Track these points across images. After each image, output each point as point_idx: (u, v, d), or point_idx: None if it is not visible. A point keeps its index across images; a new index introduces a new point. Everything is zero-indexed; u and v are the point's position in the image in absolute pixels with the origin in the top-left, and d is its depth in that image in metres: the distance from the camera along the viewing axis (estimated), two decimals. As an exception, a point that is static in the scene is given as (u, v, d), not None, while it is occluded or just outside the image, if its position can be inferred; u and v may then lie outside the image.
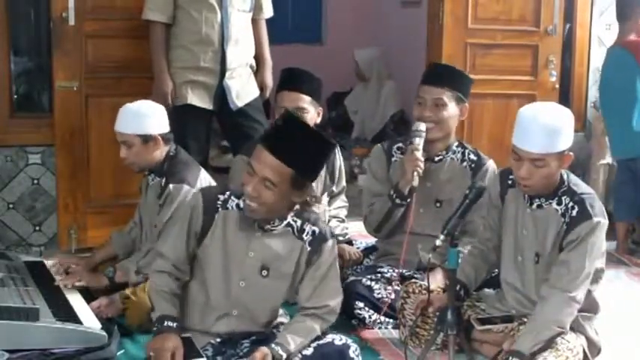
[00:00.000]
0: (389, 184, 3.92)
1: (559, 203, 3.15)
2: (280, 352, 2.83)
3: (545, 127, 3.02)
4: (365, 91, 7.25)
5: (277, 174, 2.82)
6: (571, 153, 3.10)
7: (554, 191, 3.16)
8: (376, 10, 7.95)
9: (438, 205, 3.89)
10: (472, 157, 3.93)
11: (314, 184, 4.25)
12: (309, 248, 3.02)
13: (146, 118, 3.75)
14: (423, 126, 3.77)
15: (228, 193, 3.03)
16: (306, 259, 3.02)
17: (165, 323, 2.93)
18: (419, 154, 3.73)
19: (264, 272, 3.00)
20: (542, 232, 3.19)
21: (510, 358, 2.98)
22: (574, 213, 3.10)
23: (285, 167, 2.82)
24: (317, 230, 3.04)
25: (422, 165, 3.73)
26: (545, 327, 3.02)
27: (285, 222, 3.01)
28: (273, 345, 2.85)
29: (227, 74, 4.46)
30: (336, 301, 3.08)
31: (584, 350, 3.14)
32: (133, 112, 3.76)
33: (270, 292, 3.03)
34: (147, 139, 3.74)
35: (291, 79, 4.00)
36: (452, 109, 3.82)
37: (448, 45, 5.19)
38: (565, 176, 3.17)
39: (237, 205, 2.99)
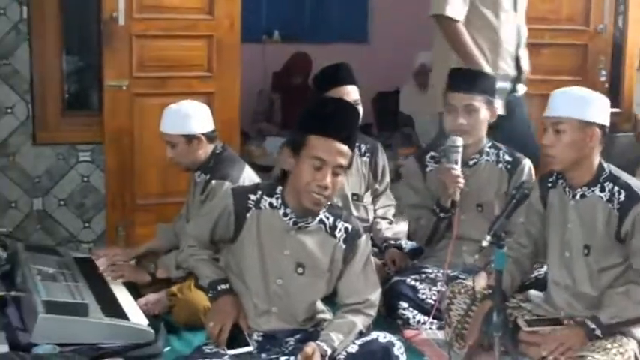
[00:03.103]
0: (427, 194, 3.91)
1: (602, 190, 3.12)
2: (325, 347, 2.83)
3: (568, 93, 3.08)
4: (422, 97, 7.04)
5: (347, 158, 2.88)
6: (597, 130, 3.07)
7: (595, 178, 3.13)
8: (422, 9, 7.89)
9: (479, 209, 3.87)
10: (507, 157, 3.90)
11: (357, 183, 4.30)
12: (343, 246, 3.02)
13: (189, 118, 3.79)
14: (459, 141, 3.72)
15: (259, 192, 3.03)
16: (342, 256, 3.03)
17: (219, 287, 2.98)
18: (458, 170, 3.72)
19: (300, 270, 3.01)
20: (589, 222, 3.15)
21: (588, 320, 2.99)
22: (622, 198, 3.07)
23: (348, 149, 2.87)
24: (350, 227, 3.04)
25: (462, 180, 3.71)
26: (632, 306, 3.01)
27: (317, 218, 3.01)
28: (318, 342, 2.85)
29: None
30: (375, 295, 3.09)
31: (635, 355, 3.10)
32: (177, 113, 3.80)
33: (307, 289, 3.04)
34: (191, 139, 3.79)
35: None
36: (483, 113, 3.78)
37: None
38: (605, 165, 3.15)
39: (270, 204, 3.00)
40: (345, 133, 2.88)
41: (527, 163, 3.89)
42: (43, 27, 4.75)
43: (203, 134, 3.81)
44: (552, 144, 3.09)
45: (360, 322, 2.99)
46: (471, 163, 3.86)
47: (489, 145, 3.91)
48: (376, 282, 3.13)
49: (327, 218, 3.02)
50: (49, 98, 4.83)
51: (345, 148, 2.86)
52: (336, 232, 3.02)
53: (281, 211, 2.99)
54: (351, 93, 4.07)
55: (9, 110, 4.74)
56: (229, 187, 3.20)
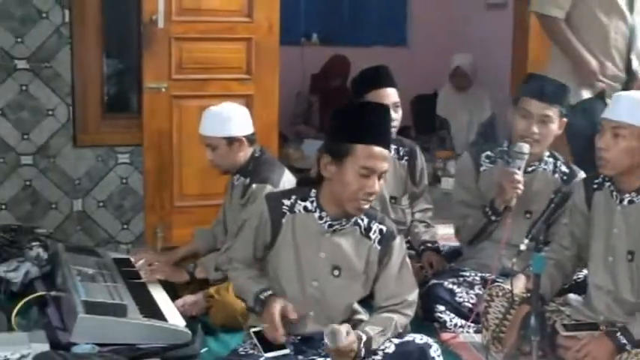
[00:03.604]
0: (477, 193, 3.88)
1: None
2: (360, 332, 2.84)
3: (632, 99, 3.03)
4: (460, 99, 7.04)
5: (389, 161, 2.92)
6: None
7: None
8: (461, 12, 7.87)
9: (527, 216, 3.80)
10: (564, 168, 3.85)
11: (395, 186, 4.29)
12: (378, 247, 3.02)
13: (230, 120, 3.80)
14: (526, 148, 3.66)
15: (293, 197, 3.03)
16: (377, 258, 3.02)
17: (263, 295, 2.97)
18: (519, 176, 3.67)
19: (336, 272, 3.00)
20: (635, 228, 3.11)
21: (619, 334, 2.96)
22: None
23: (389, 152, 2.91)
24: (384, 229, 3.03)
25: (521, 187, 3.67)
26: None
27: (352, 220, 3.01)
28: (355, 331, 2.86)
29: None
30: (412, 295, 3.08)
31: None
32: (218, 115, 3.81)
33: (343, 292, 3.04)
34: (231, 141, 3.79)
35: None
36: (555, 125, 3.72)
37: (535, 48, 5.09)
38: None
39: (305, 208, 3.00)
40: (387, 138, 2.92)
41: (582, 176, 3.82)
42: (84, 30, 4.80)
43: (244, 137, 3.82)
44: (608, 147, 3.04)
45: (397, 318, 2.99)
46: (529, 169, 3.80)
47: (548, 154, 3.86)
48: (413, 283, 3.12)
49: (362, 220, 3.02)
50: (90, 101, 4.88)
51: (387, 152, 2.88)
52: (371, 234, 3.02)
53: (316, 214, 2.99)
54: (391, 95, 4.07)
55: (50, 112, 4.79)
56: (263, 196, 3.20)
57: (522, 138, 3.70)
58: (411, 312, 3.07)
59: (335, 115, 2.99)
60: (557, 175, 3.85)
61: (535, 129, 3.68)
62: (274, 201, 3.04)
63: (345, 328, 2.78)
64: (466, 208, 3.92)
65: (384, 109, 3.00)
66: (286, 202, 3.02)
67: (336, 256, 3.00)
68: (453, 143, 6.94)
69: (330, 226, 2.99)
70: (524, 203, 3.78)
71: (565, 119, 3.76)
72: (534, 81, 3.80)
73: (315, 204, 3.00)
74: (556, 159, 3.88)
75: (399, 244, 3.06)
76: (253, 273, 3.09)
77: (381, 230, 3.03)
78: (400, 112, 4.17)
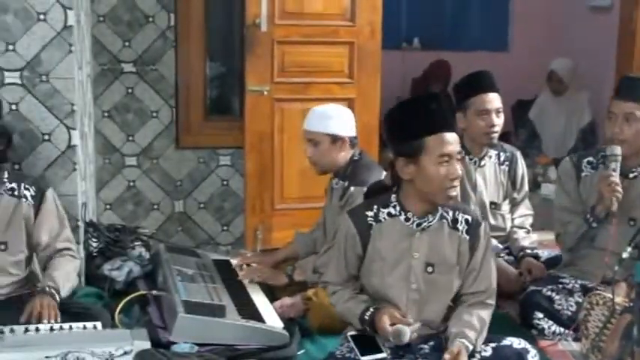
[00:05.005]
0: (579, 199, 3.80)
1: None
2: (466, 343, 2.87)
3: None
4: (556, 104, 6.93)
5: (459, 143, 2.95)
6: None
7: None
8: (564, 17, 7.71)
9: (631, 223, 3.68)
10: None
11: (495, 191, 4.23)
12: (467, 237, 3.03)
13: (336, 119, 3.81)
14: (618, 150, 3.59)
15: (375, 206, 3.04)
16: (467, 247, 3.03)
17: (367, 316, 2.98)
18: (616, 179, 3.58)
19: (430, 269, 3.01)
20: None
21: None
22: None
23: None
24: (469, 218, 3.05)
25: (620, 189, 3.57)
26: None
27: (438, 215, 3.01)
28: (457, 341, 2.87)
29: None
30: (495, 282, 3.11)
31: None
32: (324, 113, 3.83)
33: (439, 288, 3.03)
34: (335, 139, 3.79)
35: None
36: None
37: (641, 52, 4.96)
38: None
39: (389, 214, 3.02)
40: (450, 122, 2.95)
41: None
42: (189, 34, 4.89)
43: (347, 137, 3.82)
44: None
45: (487, 315, 3.03)
46: (631, 175, 3.70)
47: None
48: (494, 268, 3.13)
49: (447, 213, 3.03)
50: (192, 103, 4.96)
51: (455, 135, 2.92)
52: (459, 225, 3.03)
53: (402, 217, 3.00)
54: (495, 100, 4.06)
55: (154, 114, 4.88)
56: (345, 213, 3.19)
57: (611, 140, 3.65)
58: (494, 301, 3.10)
59: (391, 119, 3.01)
60: None
61: (617, 128, 3.62)
62: (357, 215, 3.06)
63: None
64: (567, 214, 3.84)
65: (434, 96, 3.05)
66: (369, 213, 3.04)
67: (429, 254, 3.01)
68: (542, 148, 6.84)
69: (419, 225, 3.00)
70: (626, 210, 3.68)
71: None
72: (621, 82, 3.76)
73: (398, 208, 3.01)
74: None
75: (484, 230, 3.08)
76: (349, 294, 3.10)
77: (467, 220, 3.04)
78: (502, 117, 4.12)
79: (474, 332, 2.93)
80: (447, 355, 2.80)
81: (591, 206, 3.70)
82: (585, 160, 3.85)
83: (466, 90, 4.12)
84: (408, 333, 2.85)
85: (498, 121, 4.08)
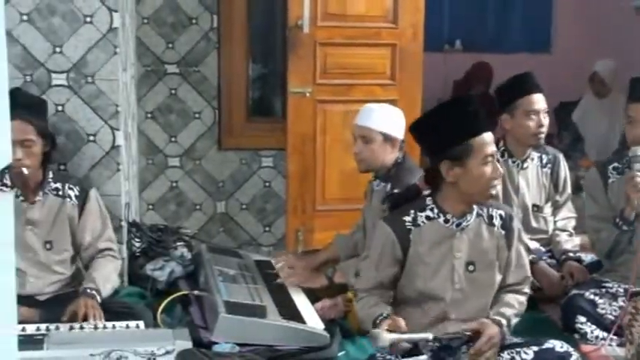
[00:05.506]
0: (608, 206, 3.76)
1: None
2: (500, 319, 2.95)
3: None
4: (599, 106, 6.87)
5: None
6: None
7: None
8: (608, 17, 7.63)
9: None
10: None
11: (537, 194, 4.19)
12: (502, 232, 3.06)
13: (392, 118, 3.79)
14: None
15: (412, 211, 3.04)
16: (504, 242, 3.06)
17: (378, 320, 2.93)
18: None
19: (471, 267, 3.02)
20: None
21: None
22: None
23: None
24: (502, 213, 3.09)
25: None
26: None
27: (474, 213, 3.03)
28: (492, 316, 2.97)
29: None
30: (529, 271, 3.18)
31: None
32: (380, 111, 3.81)
33: (480, 285, 3.05)
34: (387, 139, 3.78)
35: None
36: None
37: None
38: None
39: (428, 217, 3.02)
40: (486, 122, 2.99)
41: None
42: (231, 35, 4.92)
43: (399, 139, 3.82)
44: None
45: (524, 299, 3.11)
46: None
47: None
48: (527, 257, 3.19)
49: (482, 210, 3.06)
50: (235, 104, 4.99)
51: (492, 134, 2.97)
52: (494, 221, 3.06)
53: (441, 219, 3.01)
54: (540, 101, 4.05)
55: (197, 116, 4.92)
56: (382, 220, 3.18)
57: (633, 144, 3.61)
58: (529, 289, 3.18)
59: (428, 125, 3.06)
60: None
61: (637, 132, 3.61)
62: (395, 221, 3.06)
63: (392, 337, 2.80)
64: (598, 222, 3.81)
65: (470, 98, 3.09)
66: (407, 218, 3.04)
67: (470, 253, 3.02)
68: (585, 150, 6.78)
69: (458, 225, 3.01)
70: None
71: None
72: (635, 85, 3.71)
73: (436, 210, 3.02)
74: None
75: (517, 222, 3.13)
76: (373, 301, 3.06)
77: (500, 215, 3.08)
78: (548, 118, 4.10)
79: (510, 309, 3.01)
80: (473, 324, 2.90)
81: (620, 209, 3.67)
82: (611, 167, 3.82)
83: (512, 92, 4.10)
84: (382, 339, 2.79)
85: (545, 122, 4.08)
